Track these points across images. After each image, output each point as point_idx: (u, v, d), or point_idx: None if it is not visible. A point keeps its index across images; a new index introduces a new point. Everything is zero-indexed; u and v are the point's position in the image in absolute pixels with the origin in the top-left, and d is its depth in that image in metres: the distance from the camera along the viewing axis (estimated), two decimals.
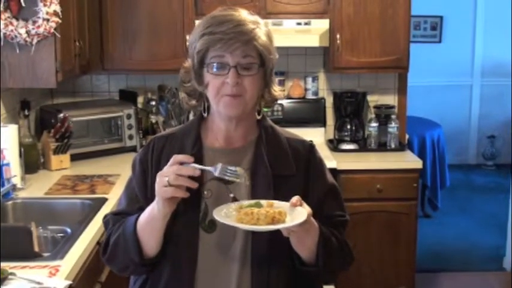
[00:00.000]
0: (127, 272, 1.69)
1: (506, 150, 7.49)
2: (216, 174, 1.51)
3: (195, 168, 1.48)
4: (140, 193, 1.65)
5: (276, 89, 1.68)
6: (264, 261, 1.58)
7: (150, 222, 1.55)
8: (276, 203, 1.52)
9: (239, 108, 1.58)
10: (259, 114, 1.68)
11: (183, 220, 1.56)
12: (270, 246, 1.57)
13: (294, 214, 1.48)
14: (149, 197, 1.63)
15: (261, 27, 1.58)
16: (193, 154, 1.61)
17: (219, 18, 1.56)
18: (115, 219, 1.68)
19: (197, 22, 1.65)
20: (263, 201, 1.52)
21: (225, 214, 1.49)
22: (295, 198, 1.50)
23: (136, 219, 1.59)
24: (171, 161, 1.50)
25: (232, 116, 1.60)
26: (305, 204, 1.51)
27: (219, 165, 1.51)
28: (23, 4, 2.89)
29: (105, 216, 1.73)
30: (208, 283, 1.58)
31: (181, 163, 1.49)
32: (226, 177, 1.51)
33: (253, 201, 1.52)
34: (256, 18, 1.60)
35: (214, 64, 1.55)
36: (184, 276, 1.57)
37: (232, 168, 1.51)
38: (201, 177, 1.60)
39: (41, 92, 3.89)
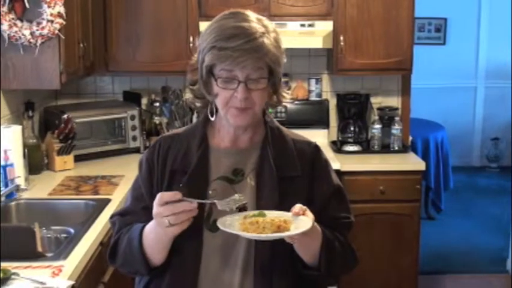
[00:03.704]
0: (134, 276, 1.71)
1: (510, 152, 7.48)
2: (219, 207, 1.51)
3: (191, 202, 1.47)
4: (146, 192, 1.66)
5: (285, 94, 1.67)
6: (267, 268, 1.58)
7: (158, 243, 1.56)
8: (278, 213, 1.51)
9: (247, 119, 1.58)
10: (264, 115, 1.68)
11: None
12: (272, 253, 1.57)
13: (298, 222, 1.48)
14: (155, 196, 1.64)
15: (270, 35, 1.54)
16: (199, 154, 1.62)
17: (229, 31, 1.50)
18: (121, 221, 1.69)
19: (205, 25, 1.61)
20: (266, 212, 1.51)
21: (230, 224, 1.49)
22: (298, 208, 1.49)
23: (141, 233, 1.58)
24: (159, 200, 1.46)
25: (241, 126, 1.61)
26: (308, 212, 1.50)
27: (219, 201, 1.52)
28: (27, 5, 2.90)
29: (112, 216, 1.74)
30: (212, 284, 1.58)
31: (167, 202, 1.46)
32: (228, 209, 1.51)
33: (256, 212, 1.51)
34: (266, 23, 1.56)
35: (223, 78, 1.53)
36: (188, 274, 1.58)
37: (232, 198, 1.52)
38: (206, 176, 1.61)
39: (45, 93, 3.91)
